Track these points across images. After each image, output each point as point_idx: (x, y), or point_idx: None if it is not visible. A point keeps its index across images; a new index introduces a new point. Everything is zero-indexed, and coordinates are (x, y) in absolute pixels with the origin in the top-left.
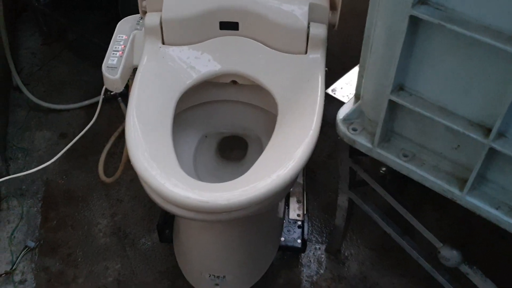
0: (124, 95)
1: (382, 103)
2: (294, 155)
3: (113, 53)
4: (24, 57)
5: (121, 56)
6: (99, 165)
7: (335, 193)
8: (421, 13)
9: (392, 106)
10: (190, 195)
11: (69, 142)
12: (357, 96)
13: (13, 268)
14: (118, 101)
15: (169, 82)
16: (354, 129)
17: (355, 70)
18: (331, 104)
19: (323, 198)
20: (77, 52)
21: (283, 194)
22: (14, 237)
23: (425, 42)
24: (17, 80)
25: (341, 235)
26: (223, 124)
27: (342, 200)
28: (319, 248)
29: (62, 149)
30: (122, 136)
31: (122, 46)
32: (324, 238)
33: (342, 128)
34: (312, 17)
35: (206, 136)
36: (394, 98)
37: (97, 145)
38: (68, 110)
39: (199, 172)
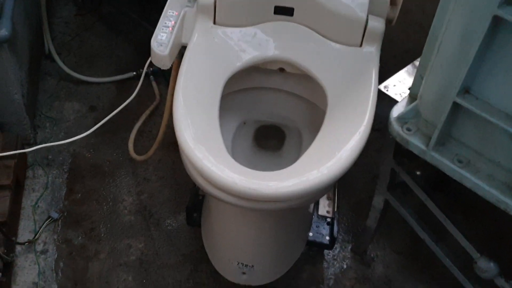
0: (156, 73)
1: (444, 105)
2: (344, 150)
3: (163, 29)
4: (57, 26)
5: (171, 33)
6: (129, 142)
7: (364, 192)
8: (507, 13)
9: (455, 109)
10: (237, 181)
11: (98, 116)
12: (412, 96)
13: (36, 237)
14: (150, 80)
15: (218, 64)
16: (409, 129)
17: (408, 69)
18: (382, 101)
19: (352, 197)
20: (111, 26)
21: (330, 188)
22: (38, 206)
23: (504, 45)
24: (51, 48)
25: (371, 237)
26: (264, 112)
27: (378, 201)
28: (345, 247)
29: (90, 122)
30: (152, 115)
31: (172, 22)
32: (350, 237)
33: (395, 127)
34: (372, 10)
35: (244, 123)
36: (459, 101)
37: (127, 122)
38: (98, 83)
39: (236, 158)
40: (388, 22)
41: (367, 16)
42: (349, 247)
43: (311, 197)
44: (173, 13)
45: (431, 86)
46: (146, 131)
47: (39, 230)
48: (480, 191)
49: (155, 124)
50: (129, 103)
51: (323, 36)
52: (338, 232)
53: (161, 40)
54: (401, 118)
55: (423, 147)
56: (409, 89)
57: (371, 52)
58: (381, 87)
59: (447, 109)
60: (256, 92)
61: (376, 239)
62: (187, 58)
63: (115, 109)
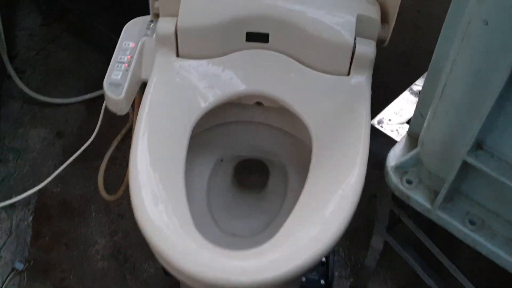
0: None
1: (452, 159)
2: (332, 215)
3: (117, 66)
4: (21, 39)
5: (126, 70)
6: (98, 177)
7: (361, 217)
8: None
9: (465, 166)
10: (205, 270)
11: (66, 143)
12: (411, 135)
13: None
14: None
15: (183, 105)
16: (409, 181)
17: (405, 96)
18: (377, 138)
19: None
20: (80, 35)
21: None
22: (1, 257)
23: None
24: (9, 70)
25: (370, 275)
26: (243, 146)
27: (377, 243)
28: (343, 284)
29: (58, 151)
30: (125, 139)
31: (128, 56)
32: (348, 272)
33: (393, 179)
34: (360, 32)
35: (222, 160)
36: (471, 161)
37: (98, 147)
38: (66, 104)
39: (212, 205)
40: (380, 43)
41: (355, 39)
42: (348, 284)
43: (299, 275)
44: (129, 45)
45: (435, 135)
46: (120, 157)
47: (2, 286)
48: (498, 260)
49: (130, 148)
50: (100, 125)
51: (304, 64)
52: (333, 275)
53: (116, 80)
54: (399, 168)
55: (427, 204)
56: (407, 122)
57: (361, 82)
58: (375, 122)
59: (455, 167)
60: (233, 127)
61: (376, 271)
62: (146, 100)
63: (84, 134)
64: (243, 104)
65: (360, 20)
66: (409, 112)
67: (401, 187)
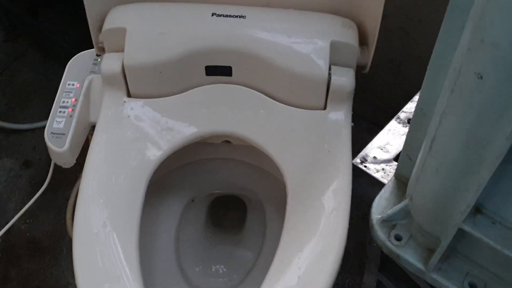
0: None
1: (447, 223)
2: (311, 282)
3: (60, 112)
4: None
5: (70, 116)
6: (67, 214)
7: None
8: None
9: (462, 232)
10: None
11: (34, 173)
12: (399, 178)
13: None
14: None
15: (137, 155)
16: (398, 237)
17: (392, 127)
18: (359, 178)
19: None
20: (46, 52)
21: None
22: None
23: None
24: None
25: None
26: (216, 184)
27: (370, 281)
28: None
29: (25, 183)
30: None
31: (73, 100)
32: None
33: (380, 234)
34: (335, 60)
35: (193, 200)
36: (469, 229)
37: (67, 177)
38: (34, 129)
39: (182, 256)
40: (361, 68)
41: (330, 69)
42: None
43: None
44: (73, 85)
45: (425, 192)
46: None
47: None
48: None
49: None
50: None
51: (274, 98)
52: None
53: (58, 129)
54: (387, 221)
55: (420, 265)
56: (395, 159)
57: (339, 117)
58: (358, 161)
59: (450, 232)
60: (202, 164)
61: None
62: (92, 151)
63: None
64: (209, 143)
65: (334, 47)
66: (397, 147)
67: (389, 244)
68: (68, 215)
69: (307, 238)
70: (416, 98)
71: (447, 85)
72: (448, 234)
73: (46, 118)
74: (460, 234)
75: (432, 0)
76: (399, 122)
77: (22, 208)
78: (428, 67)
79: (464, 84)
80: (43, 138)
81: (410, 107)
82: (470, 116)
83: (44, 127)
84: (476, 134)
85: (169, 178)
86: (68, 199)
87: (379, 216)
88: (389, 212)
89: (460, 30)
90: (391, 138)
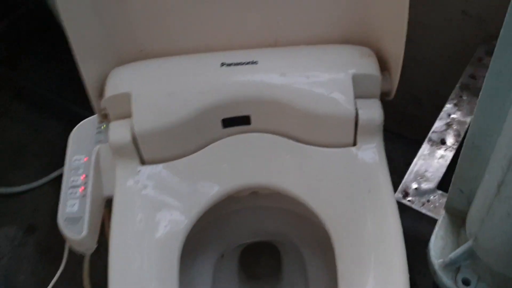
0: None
1: None
2: None
3: (71, 192)
4: None
5: (83, 196)
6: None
7: None
8: None
9: None
10: None
11: (40, 238)
12: (451, 212)
13: None
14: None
15: (164, 226)
16: (466, 282)
17: (425, 151)
18: (404, 213)
19: None
20: (30, 102)
21: None
22: None
23: None
24: None
25: None
26: (243, 235)
27: None
28: None
29: (31, 251)
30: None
31: (82, 176)
32: None
33: (445, 280)
34: (359, 93)
35: (223, 256)
36: None
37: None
38: (32, 189)
39: None
40: (384, 96)
41: (355, 103)
42: None
43: None
44: (80, 160)
45: (495, 234)
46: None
47: None
48: None
49: None
50: None
51: (298, 140)
52: None
53: (72, 213)
54: (450, 264)
55: None
56: (438, 187)
57: (372, 151)
58: (399, 196)
59: None
60: (227, 218)
61: None
62: (115, 232)
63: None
64: (235, 197)
65: (356, 80)
66: (437, 174)
67: None
68: (85, 282)
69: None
70: (443, 115)
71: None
72: None
73: (43, 175)
74: None
75: None
76: (431, 145)
77: (33, 279)
78: (479, 98)
79: None
80: (44, 197)
81: (440, 126)
82: None
83: (43, 185)
84: None
85: (194, 239)
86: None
87: (441, 260)
88: (452, 255)
89: None
90: (428, 165)
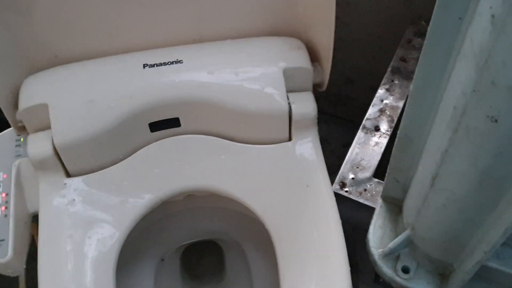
0: None
1: (463, 254)
2: None
3: None
4: None
5: (5, 216)
6: None
7: None
8: None
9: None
10: None
11: None
12: (388, 201)
13: None
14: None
15: (97, 242)
16: (405, 270)
17: (360, 140)
18: (342, 204)
19: None
20: None
21: None
22: None
23: None
24: None
25: None
26: (181, 237)
27: None
28: None
29: None
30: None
31: (3, 195)
32: None
33: (385, 270)
34: (290, 87)
35: (163, 260)
36: (494, 265)
37: None
38: None
39: None
40: (318, 87)
41: (288, 98)
42: None
43: None
44: None
45: (432, 225)
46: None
47: None
48: None
49: None
50: None
51: (232, 139)
52: None
53: None
54: (389, 254)
55: None
56: (374, 175)
57: (308, 145)
58: (337, 187)
59: (471, 269)
60: (164, 221)
61: None
62: (43, 252)
63: None
64: (171, 201)
65: (288, 74)
66: (372, 162)
67: (398, 279)
68: None
69: (309, 281)
70: (376, 101)
71: (446, 123)
72: (470, 270)
73: None
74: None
75: None
76: (366, 132)
77: None
78: (410, 91)
79: (472, 126)
80: None
81: (373, 113)
82: (483, 158)
83: None
84: (492, 174)
85: (131, 246)
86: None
87: (381, 251)
88: (391, 245)
89: (446, 53)
90: (363, 152)
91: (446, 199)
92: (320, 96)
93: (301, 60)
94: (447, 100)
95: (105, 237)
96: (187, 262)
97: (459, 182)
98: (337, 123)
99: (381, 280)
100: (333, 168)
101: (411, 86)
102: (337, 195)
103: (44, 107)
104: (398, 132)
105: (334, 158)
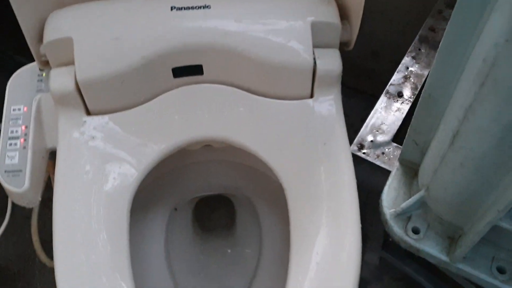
0: None
1: (475, 216)
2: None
3: (10, 144)
4: None
5: (24, 148)
6: (32, 235)
7: None
8: None
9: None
10: None
11: None
12: (405, 164)
13: None
14: None
15: (112, 180)
16: (416, 230)
17: (383, 104)
18: (358, 165)
19: None
20: None
21: None
22: None
23: None
24: None
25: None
26: (196, 188)
27: (372, 258)
28: None
29: None
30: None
31: (23, 127)
32: None
33: (396, 229)
34: (317, 42)
35: (176, 209)
36: (507, 226)
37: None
38: None
39: (177, 275)
40: (344, 46)
41: (313, 53)
42: None
43: None
44: (19, 110)
45: (447, 185)
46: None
47: None
48: None
49: None
50: None
51: (253, 92)
52: None
53: (13, 166)
54: (401, 214)
55: (443, 257)
56: (393, 140)
57: (329, 103)
58: (355, 148)
59: (482, 229)
60: (180, 171)
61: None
62: (60, 184)
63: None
64: (188, 150)
65: (315, 28)
66: (392, 126)
67: (407, 239)
68: (35, 237)
69: (322, 238)
70: (401, 67)
71: (472, 78)
72: (481, 230)
73: None
74: (493, 229)
75: None
76: (389, 98)
77: None
78: (438, 51)
79: (500, 78)
80: None
81: (397, 79)
82: (507, 113)
83: None
84: None
85: (145, 192)
86: (28, 217)
87: (393, 210)
88: (404, 205)
89: (478, 13)
90: (384, 117)
91: (464, 158)
92: (343, 68)
93: (330, 15)
94: (476, 54)
95: (123, 175)
96: (199, 214)
97: (480, 139)
98: (358, 97)
99: (391, 240)
100: (350, 141)
101: (440, 44)
102: (354, 156)
103: (68, 41)
104: (422, 92)
105: (352, 132)
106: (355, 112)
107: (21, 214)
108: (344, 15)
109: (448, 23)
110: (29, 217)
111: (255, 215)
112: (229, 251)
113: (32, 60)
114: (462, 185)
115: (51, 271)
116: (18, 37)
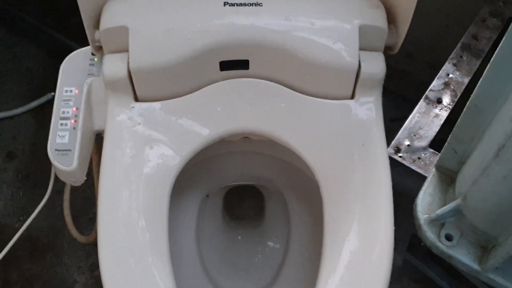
0: None
1: (509, 227)
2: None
3: (62, 124)
4: None
5: (74, 129)
6: (64, 210)
7: None
8: None
9: None
10: None
11: (19, 165)
12: (441, 170)
13: None
14: None
15: (156, 164)
16: (449, 237)
17: (421, 109)
18: (394, 168)
19: None
20: (10, 26)
21: None
22: None
23: None
24: None
25: None
26: (229, 177)
27: (396, 260)
28: None
29: (11, 176)
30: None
31: (74, 109)
32: None
33: (429, 235)
34: (363, 45)
35: (208, 196)
36: None
37: None
38: (11, 117)
39: (206, 261)
40: (388, 50)
41: (359, 55)
42: None
43: None
44: (71, 92)
45: (487, 196)
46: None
47: None
48: None
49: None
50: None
51: (295, 89)
52: None
53: (63, 145)
54: (435, 220)
55: (475, 266)
56: (429, 145)
57: (370, 106)
58: (391, 151)
59: None
60: (216, 159)
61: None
62: (106, 166)
63: (39, 150)
64: (228, 140)
65: (363, 31)
66: (430, 132)
67: (440, 245)
68: (66, 212)
69: (355, 237)
70: (441, 73)
71: None
72: None
73: (22, 104)
74: None
75: None
76: (428, 103)
77: (12, 204)
78: (490, 63)
79: None
80: (23, 126)
81: (437, 85)
82: None
83: (23, 113)
84: None
85: (181, 177)
86: (59, 191)
87: (427, 216)
88: (439, 212)
89: None
90: (422, 123)
91: (508, 171)
92: None
93: (378, 19)
94: None
95: (166, 160)
96: (229, 203)
97: None
98: (388, 97)
99: (422, 244)
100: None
101: (494, 56)
102: (390, 159)
103: (124, 30)
104: (468, 102)
105: None
106: (384, 111)
107: (53, 190)
108: (391, 20)
109: (505, 36)
110: (60, 193)
111: (285, 209)
112: (257, 241)
113: (82, 45)
114: (503, 197)
115: (79, 245)
116: (70, 23)
